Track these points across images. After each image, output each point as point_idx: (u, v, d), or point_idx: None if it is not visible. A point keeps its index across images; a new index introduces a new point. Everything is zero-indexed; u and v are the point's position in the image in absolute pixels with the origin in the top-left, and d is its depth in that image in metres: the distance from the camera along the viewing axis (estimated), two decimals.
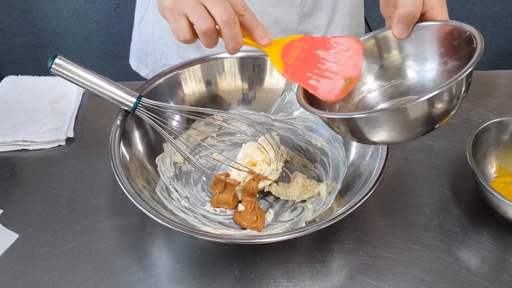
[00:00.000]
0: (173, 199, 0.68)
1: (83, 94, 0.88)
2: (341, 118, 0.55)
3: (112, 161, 0.63)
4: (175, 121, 0.77)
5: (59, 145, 0.79)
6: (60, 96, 0.86)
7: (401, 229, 0.68)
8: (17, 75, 0.90)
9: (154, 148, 0.73)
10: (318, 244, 0.66)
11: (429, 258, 0.64)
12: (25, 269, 0.63)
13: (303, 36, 0.63)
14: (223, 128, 0.79)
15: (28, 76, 0.90)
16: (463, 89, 0.52)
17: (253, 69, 0.79)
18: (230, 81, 0.79)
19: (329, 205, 0.66)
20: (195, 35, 0.57)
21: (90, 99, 0.88)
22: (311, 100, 0.59)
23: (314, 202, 0.70)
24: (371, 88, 0.64)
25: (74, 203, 0.70)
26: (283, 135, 0.80)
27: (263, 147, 0.72)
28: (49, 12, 1.71)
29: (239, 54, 0.78)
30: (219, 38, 0.58)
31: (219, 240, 0.59)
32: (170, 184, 0.71)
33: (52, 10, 1.70)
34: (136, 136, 0.71)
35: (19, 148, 0.78)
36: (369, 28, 1.18)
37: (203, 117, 0.77)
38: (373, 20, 1.14)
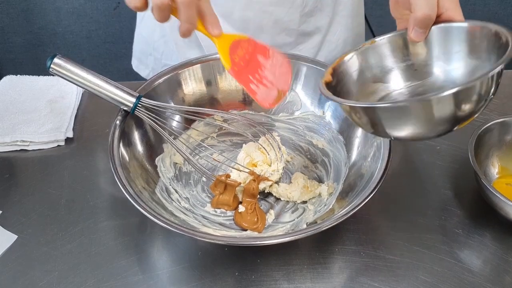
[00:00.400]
0: (173, 200, 0.68)
1: (82, 94, 0.88)
2: (363, 107, 0.54)
3: (111, 162, 0.62)
4: (175, 121, 0.76)
5: (58, 145, 0.79)
6: (59, 96, 0.86)
7: (403, 231, 0.67)
8: (16, 75, 0.90)
9: (154, 148, 0.72)
10: (319, 245, 0.65)
11: (431, 260, 0.64)
12: (24, 271, 0.62)
13: (248, 37, 0.64)
14: (224, 128, 0.79)
15: (27, 76, 0.90)
16: (491, 89, 0.51)
17: None
18: (231, 81, 0.79)
19: (330, 206, 0.66)
20: (146, 4, 0.56)
21: (90, 99, 0.87)
22: (333, 90, 0.59)
23: (315, 203, 0.70)
24: (394, 87, 0.64)
25: (73, 204, 0.70)
26: (284, 136, 0.79)
27: (263, 147, 0.71)
28: (49, 11, 1.70)
29: None
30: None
31: (219, 242, 0.59)
32: (170, 185, 0.70)
33: (52, 9, 1.70)
34: (136, 136, 0.70)
35: (18, 148, 0.78)
36: (369, 27, 1.17)
37: (203, 118, 0.76)
38: (374, 19, 1.13)
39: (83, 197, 0.71)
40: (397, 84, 0.64)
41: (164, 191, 0.68)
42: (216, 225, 0.67)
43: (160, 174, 0.71)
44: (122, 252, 0.64)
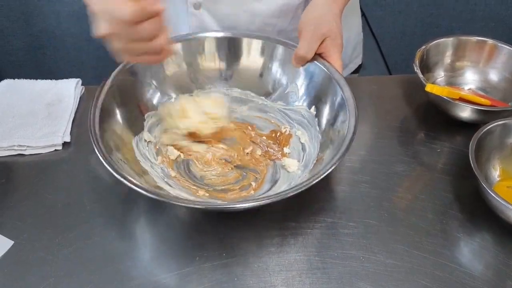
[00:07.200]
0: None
1: (80, 98, 0.87)
2: None
3: (92, 137, 0.65)
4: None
5: (55, 150, 0.78)
6: (57, 99, 0.85)
7: (403, 235, 0.66)
8: (15, 79, 0.89)
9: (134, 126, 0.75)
10: (318, 250, 0.64)
11: (431, 264, 0.63)
12: (20, 276, 0.61)
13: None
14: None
15: (24, 79, 0.89)
16: None
17: (229, 48, 0.81)
18: (210, 61, 0.81)
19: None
20: None
21: (88, 102, 0.87)
22: None
23: (286, 181, 0.71)
24: None
25: (70, 209, 0.69)
26: (274, 117, 0.81)
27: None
28: (49, 14, 1.70)
29: (219, 34, 0.81)
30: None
31: (196, 206, 0.63)
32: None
33: (52, 12, 1.69)
34: (117, 112, 0.74)
35: (15, 153, 0.77)
36: (369, 27, 1.17)
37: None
38: (374, 20, 1.13)
39: (80, 201, 0.70)
40: None
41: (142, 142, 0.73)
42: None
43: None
44: (119, 257, 0.64)
